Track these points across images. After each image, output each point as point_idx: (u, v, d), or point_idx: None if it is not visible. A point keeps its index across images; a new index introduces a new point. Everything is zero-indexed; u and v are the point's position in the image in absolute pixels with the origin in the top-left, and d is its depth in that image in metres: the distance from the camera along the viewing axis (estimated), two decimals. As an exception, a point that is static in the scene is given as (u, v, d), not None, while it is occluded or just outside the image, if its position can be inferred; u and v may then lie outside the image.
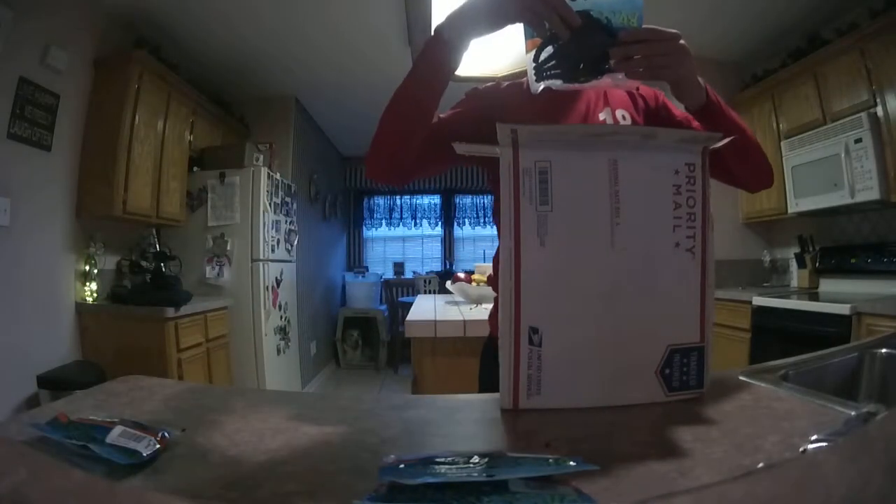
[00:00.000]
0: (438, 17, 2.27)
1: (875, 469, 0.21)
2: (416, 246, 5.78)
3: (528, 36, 0.68)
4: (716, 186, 0.63)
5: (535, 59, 0.67)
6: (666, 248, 0.55)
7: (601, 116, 0.87)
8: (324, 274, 4.76)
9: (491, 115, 0.64)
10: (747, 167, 0.83)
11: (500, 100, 0.89)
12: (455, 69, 0.71)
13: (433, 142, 0.77)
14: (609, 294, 0.54)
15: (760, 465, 0.39)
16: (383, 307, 5.12)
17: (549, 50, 0.66)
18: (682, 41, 0.66)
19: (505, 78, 1.02)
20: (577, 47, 0.64)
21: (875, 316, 1.89)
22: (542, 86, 0.68)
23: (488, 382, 0.57)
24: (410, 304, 2.24)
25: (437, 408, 0.58)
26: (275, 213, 3.12)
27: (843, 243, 2.67)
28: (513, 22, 0.64)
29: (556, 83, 0.67)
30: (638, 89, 0.94)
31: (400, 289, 5.22)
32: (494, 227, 0.92)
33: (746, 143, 0.79)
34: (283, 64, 3.24)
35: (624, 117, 0.88)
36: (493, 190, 0.86)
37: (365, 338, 5.06)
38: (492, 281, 1.06)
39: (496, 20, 0.65)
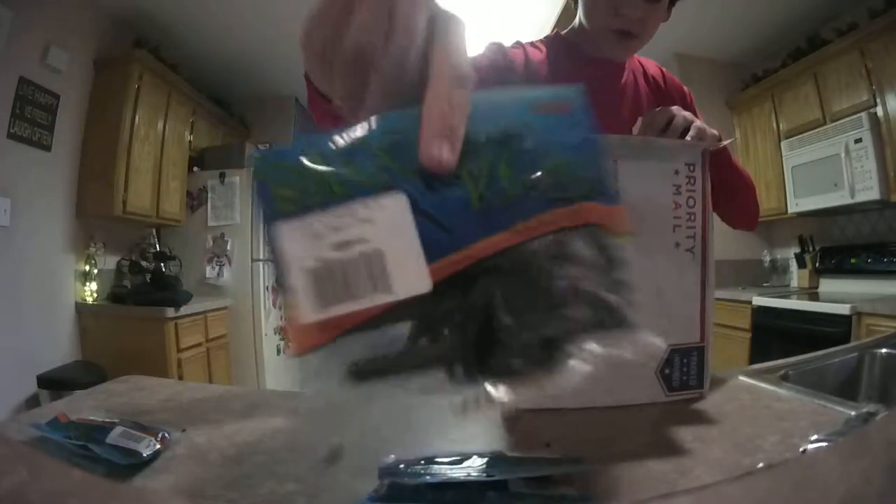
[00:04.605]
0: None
1: (875, 469, 0.21)
2: (416, 246, 5.78)
3: None
4: (716, 186, 0.63)
5: None
6: (666, 248, 0.55)
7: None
8: (324, 274, 4.76)
9: None
10: (734, 205, 0.83)
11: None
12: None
13: None
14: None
15: (760, 465, 0.39)
16: (383, 307, 5.13)
17: None
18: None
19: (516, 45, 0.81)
20: None
21: (875, 316, 1.88)
22: None
23: None
24: (410, 304, 2.24)
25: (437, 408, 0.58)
26: (275, 213, 3.12)
27: (843, 243, 2.67)
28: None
29: None
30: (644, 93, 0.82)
31: (400, 289, 5.21)
32: None
33: (739, 183, 0.79)
34: (283, 64, 3.24)
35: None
36: None
37: (365, 338, 5.06)
38: None
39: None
